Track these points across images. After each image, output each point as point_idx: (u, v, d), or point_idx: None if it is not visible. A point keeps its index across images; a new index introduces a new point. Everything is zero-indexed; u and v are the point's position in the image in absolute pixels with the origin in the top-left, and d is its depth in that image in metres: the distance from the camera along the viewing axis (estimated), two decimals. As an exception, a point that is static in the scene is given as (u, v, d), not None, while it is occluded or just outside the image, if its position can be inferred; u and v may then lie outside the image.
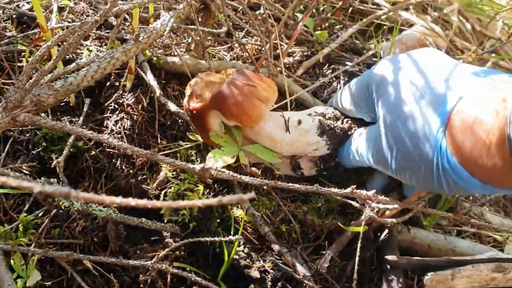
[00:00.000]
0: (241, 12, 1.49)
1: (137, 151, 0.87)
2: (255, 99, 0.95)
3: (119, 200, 0.38)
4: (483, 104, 0.65)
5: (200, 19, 1.30)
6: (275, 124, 1.00)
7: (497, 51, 1.58)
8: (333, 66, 1.40)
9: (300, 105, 1.27)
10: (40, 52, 0.87)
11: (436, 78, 0.77)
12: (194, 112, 0.96)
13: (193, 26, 1.18)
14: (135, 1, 0.98)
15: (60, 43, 1.09)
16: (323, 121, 1.02)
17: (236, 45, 1.39)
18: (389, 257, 0.96)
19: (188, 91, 0.98)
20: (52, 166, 0.96)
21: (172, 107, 1.12)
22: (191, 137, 1.10)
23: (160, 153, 1.05)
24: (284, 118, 1.00)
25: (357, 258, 0.86)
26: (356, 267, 0.86)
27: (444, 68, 0.79)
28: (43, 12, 1.26)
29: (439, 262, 0.96)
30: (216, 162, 0.91)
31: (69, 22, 1.29)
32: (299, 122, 1.01)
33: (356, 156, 0.95)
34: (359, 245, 0.88)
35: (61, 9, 1.34)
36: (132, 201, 0.38)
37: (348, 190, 0.76)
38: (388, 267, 0.96)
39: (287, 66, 1.39)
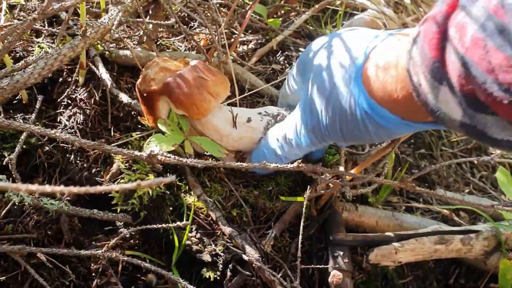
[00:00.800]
0: (194, 2, 1.50)
1: (84, 143, 0.88)
2: (206, 92, 0.97)
3: (41, 188, 0.40)
4: (392, 50, 0.76)
5: (150, 12, 1.32)
6: (224, 118, 1.02)
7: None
8: (286, 52, 1.42)
9: (254, 94, 1.29)
10: (-19, 50, 0.88)
11: (355, 42, 0.86)
12: (145, 94, 0.98)
13: (141, 19, 1.20)
14: (78, -3, 0.99)
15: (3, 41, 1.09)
16: (271, 122, 1.05)
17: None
18: (335, 235, 0.99)
19: (142, 73, 1.00)
20: (4, 164, 0.98)
21: (124, 98, 1.14)
22: (142, 121, 1.11)
23: (112, 144, 1.07)
24: (232, 114, 1.02)
25: (300, 236, 0.89)
26: (299, 245, 0.89)
27: (362, 34, 0.88)
28: (-7, 10, 1.26)
29: (384, 237, 1.00)
30: (159, 147, 0.92)
31: (19, 20, 1.29)
32: (248, 120, 1.03)
33: (278, 150, 0.99)
34: (302, 222, 0.91)
35: (12, 7, 1.34)
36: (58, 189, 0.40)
37: (295, 164, 0.79)
38: (335, 244, 0.99)
39: (241, 54, 1.41)
